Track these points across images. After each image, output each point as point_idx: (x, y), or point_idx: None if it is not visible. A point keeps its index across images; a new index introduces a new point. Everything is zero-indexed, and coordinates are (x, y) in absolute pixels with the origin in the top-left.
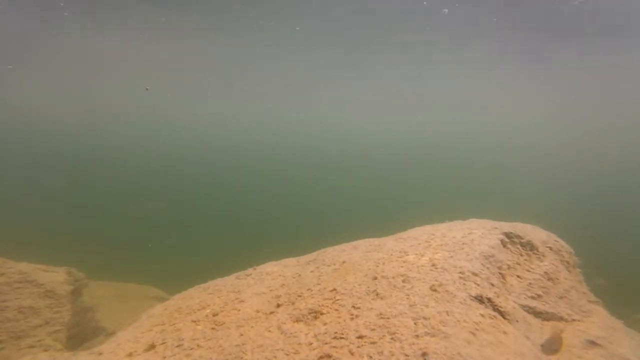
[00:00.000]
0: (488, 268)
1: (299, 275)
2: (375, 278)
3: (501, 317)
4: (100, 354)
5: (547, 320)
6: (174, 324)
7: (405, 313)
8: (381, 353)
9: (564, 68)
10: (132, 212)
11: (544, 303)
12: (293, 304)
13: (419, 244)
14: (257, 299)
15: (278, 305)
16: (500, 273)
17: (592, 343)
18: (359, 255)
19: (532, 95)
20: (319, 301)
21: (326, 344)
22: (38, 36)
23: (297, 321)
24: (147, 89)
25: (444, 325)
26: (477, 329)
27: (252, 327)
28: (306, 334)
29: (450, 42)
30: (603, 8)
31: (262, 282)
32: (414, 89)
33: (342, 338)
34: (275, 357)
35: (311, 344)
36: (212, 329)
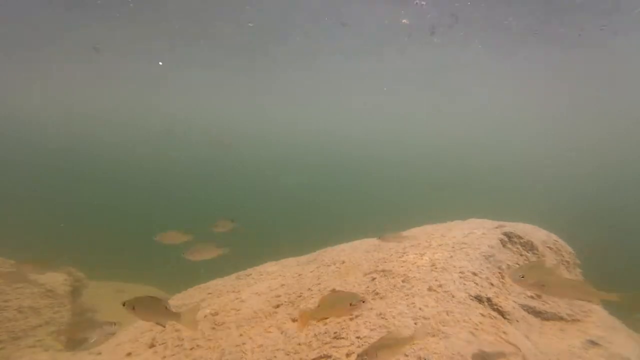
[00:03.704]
0: (488, 268)
1: (299, 275)
2: (375, 278)
3: (501, 317)
4: (100, 354)
5: (547, 320)
6: (173, 324)
7: (405, 313)
8: None
9: (564, 68)
10: (132, 212)
11: (543, 303)
12: (293, 303)
13: (419, 243)
14: (257, 298)
15: (278, 305)
16: (500, 273)
17: (592, 343)
18: (358, 255)
19: (532, 95)
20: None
21: (326, 344)
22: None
23: (297, 321)
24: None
25: (444, 325)
26: (477, 329)
27: (252, 327)
28: (306, 334)
29: (448, 39)
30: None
31: (262, 282)
32: (416, 88)
33: (342, 338)
34: (275, 357)
35: (311, 344)
36: (212, 329)
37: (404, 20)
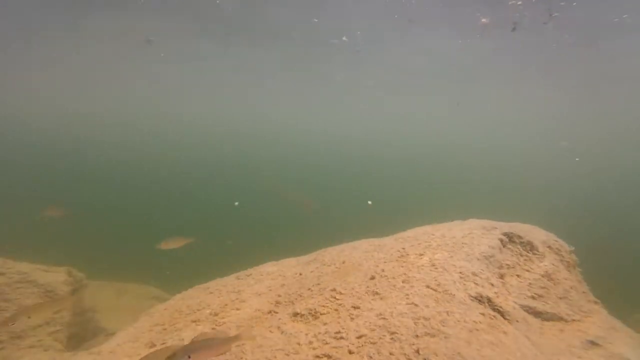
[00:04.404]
0: (488, 268)
1: (299, 275)
2: (375, 278)
3: (501, 317)
4: (100, 354)
5: (547, 320)
6: (174, 324)
7: (405, 313)
8: (381, 353)
9: (562, 69)
10: (132, 212)
11: (543, 303)
12: (293, 303)
13: (419, 244)
14: (257, 299)
15: (278, 305)
16: (500, 273)
17: (592, 343)
18: (358, 255)
19: (532, 96)
20: (319, 301)
21: (326, 344)
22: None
23: (297, 321)
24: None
25: (444, 325)
26: (477, 329)
27: (252, 327)
28: (306, 334)
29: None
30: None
31: (262, 282)
32: (416, 89)
33: (342, 338)
34: (275, 357)
35: (311, 343)
36: (212, 329)
37: (483, 20)
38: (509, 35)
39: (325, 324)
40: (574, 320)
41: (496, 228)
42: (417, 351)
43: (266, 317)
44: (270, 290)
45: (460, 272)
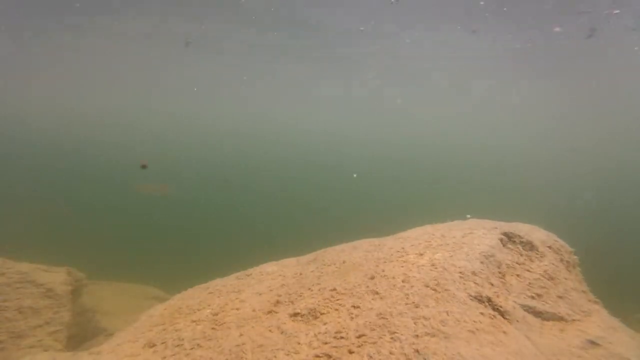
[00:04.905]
0: (488, 268)
1: (299, 275)
2: (375, 278)
3: (501, 317)
4: (100, 354)
5: (547, 319)
6: (173, 324)
7: (405, 313)
8: (381, 353)
9: (562, 68)
10: (132, 212)
11: (543, 303)
12: (293, 303)
13: (419, 243)
14: (257, 298)
15: (278, 305)
16: (500, 273)
17: (592, 343)
18: (359, 255)
19: (532, 95)
20: (319, 301)
21: (326, 343)
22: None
23: (297, 321)
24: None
25: (444, 325)
26: (476, 329)
27: (252, 327)
28: (306, 334)
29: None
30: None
31: (262, 282)
32: (416, 87)
33: (342, 338)
34: (275, 357)
35: (311, 343)
36: (212, 329)
37: (556, 29)
38: (515, 36)
39: (325, 323)
40: (574, 320)
41: (496, 228)
42: (417, 351)
43: (266, 316)
44: (271, 290)
45: (460, 272)
